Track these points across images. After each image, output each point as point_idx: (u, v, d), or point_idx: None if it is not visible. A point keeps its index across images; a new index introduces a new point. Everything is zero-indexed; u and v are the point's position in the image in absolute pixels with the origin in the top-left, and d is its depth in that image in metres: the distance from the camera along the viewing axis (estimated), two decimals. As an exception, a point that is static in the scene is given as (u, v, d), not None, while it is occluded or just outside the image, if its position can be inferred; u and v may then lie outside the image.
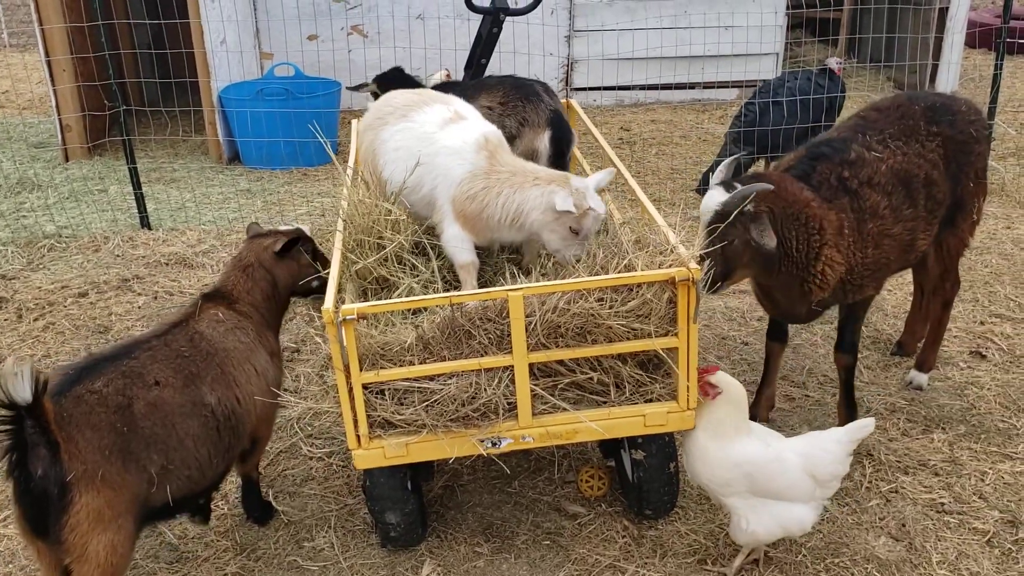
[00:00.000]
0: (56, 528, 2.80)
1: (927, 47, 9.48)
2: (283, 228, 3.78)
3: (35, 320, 5.50)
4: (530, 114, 4.41)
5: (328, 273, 3.33)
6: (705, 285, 3.31)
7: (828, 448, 3.27)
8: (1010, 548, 3.55)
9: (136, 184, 6.81)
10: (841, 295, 3.88)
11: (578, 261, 3.45)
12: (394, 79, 6.03)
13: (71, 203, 7.29)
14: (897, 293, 5.58)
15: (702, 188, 6.76)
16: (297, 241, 3.64)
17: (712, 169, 6.74)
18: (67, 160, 8.29)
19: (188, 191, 7.57)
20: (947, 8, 9.44)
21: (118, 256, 6.38)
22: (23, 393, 2.61)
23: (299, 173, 8.07)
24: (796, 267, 3.66)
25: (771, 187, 3.47)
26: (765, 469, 3.24)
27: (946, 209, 4.07)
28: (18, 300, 5.73)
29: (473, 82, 5.34)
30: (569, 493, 3.92)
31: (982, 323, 5.19)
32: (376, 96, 6.00)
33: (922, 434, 4.25)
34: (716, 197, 3.46)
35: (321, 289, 3.55)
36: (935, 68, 9.62)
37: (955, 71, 9.77)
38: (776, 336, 4.31)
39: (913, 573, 3.45)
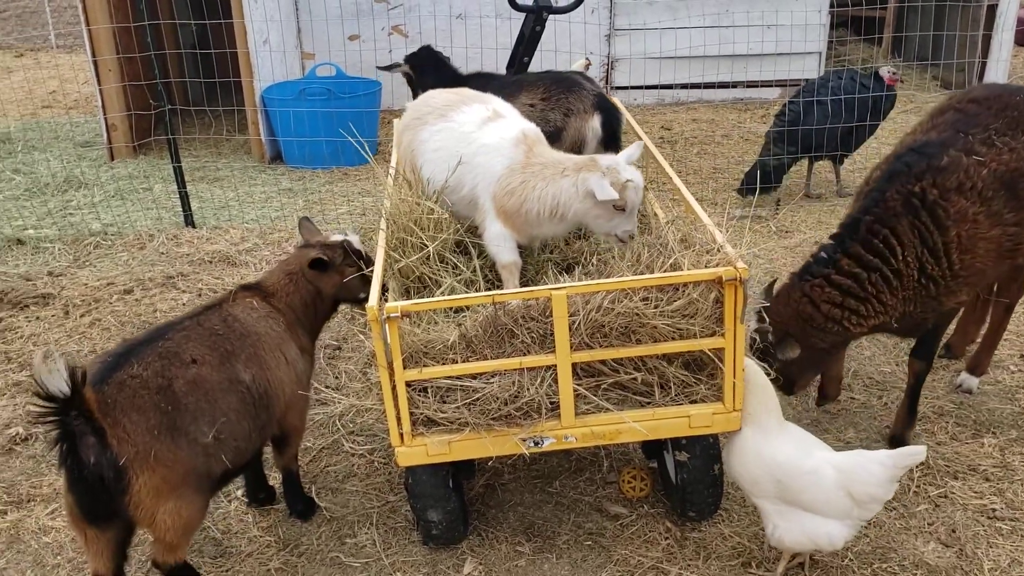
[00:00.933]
0: (121, 507, 2.89)
1: (975, 45, 9.30)
2: (332, 238, 3.77)
3: (81, 316, 5.58)
4: (574, 103, 4.40)
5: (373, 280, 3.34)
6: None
7: (871, 469, 3.15)
8: (1065, 556, 3.47)
9: (180, 183, 6.89)
10: (935, 304, 3.73)
11: (631, 238, 3.41)
12: (425, 58, 5.99)
13: (117, 201, 7.39)
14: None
15: (744, 188, 6.68)
16: (325, 262, 3.61)
17: (753, 170, 6.67)
18: (112, 159, 8.41)
19: (231, 190, 7.64)
20: (996, 5, 9.26)
21: (163, 254, 6.46)
22: (60, 386, 2.67)
23: (340, 172, 8.11)
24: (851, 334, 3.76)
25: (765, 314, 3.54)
26: (797, 479, 3.17)
27: None
28: (65, 296, 5.82)
29: (512, 79, 5.32)
30: (611, 494, 3.89)
31: (1033, 326, 5.08)
32: (408, 78, 5.99)
33: (972, 438, 4.16)
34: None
35: (368, 299, 3.57)
36: (983, 66, 9.43)
37: (1004, 69, 9.56)
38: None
39: (963, 580, 3.38)
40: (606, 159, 3.50)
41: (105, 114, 8.28)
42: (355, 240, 3.76)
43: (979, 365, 4.52)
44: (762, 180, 6.58)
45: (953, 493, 3.82)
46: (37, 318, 5.57)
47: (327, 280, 3.66)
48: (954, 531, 3.61)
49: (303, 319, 3.61)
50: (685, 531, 3.66)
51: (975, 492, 3.82)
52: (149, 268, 6.19)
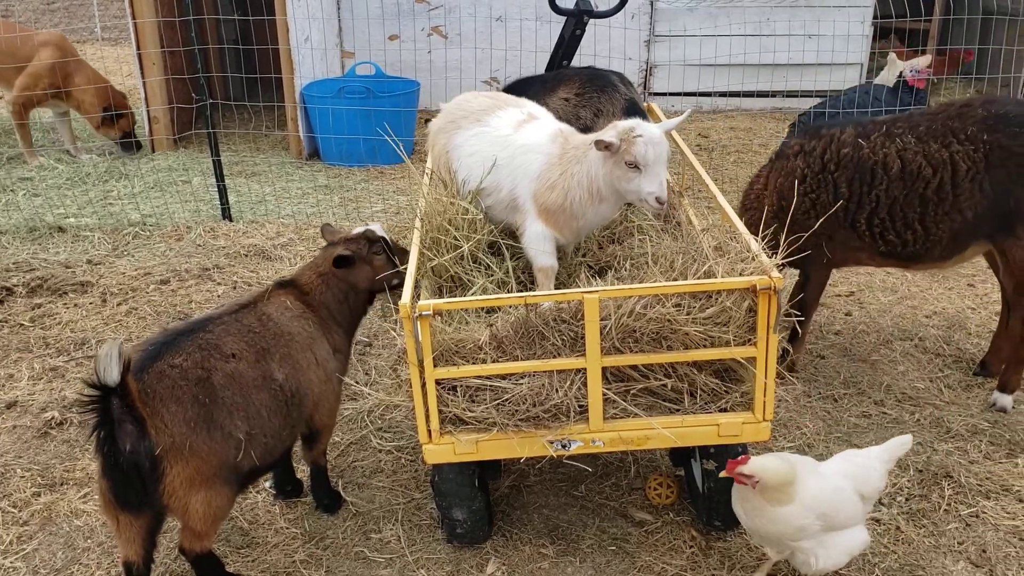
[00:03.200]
0: (154, 495, 2.95)
1: (1021, 59, 9.16)
2: (355, 232, 3.79)
3: (118, 305, 5.67)
4: (605, 104, 4.40)
5: (407, 268, 3.36)
6: None
7: (872, 466, 3.28)
8: (1098, 581, 3.41)
9: (219, 176, 6.97)
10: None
11: (662, 204, 3.37)
12: None
13: (156, 193, 7.50)
14: (982, 312, 5.40)
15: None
16: (349, 258, 3.63)
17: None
18: (153, 151, 8.53)
19: (268, 185, 7.72)
20: (1042, 20, 9.12)
21: (199, 246, 6.53)
22: (113, 375, 2.72)
23: (376, 171, 8.17)
24: None
25: None
26: (835, 501, 3.19)
27: (992, 216, 4.13)
28: (103, 285, 5.91)
29: (552, 74, 5.33)
30: (636, 500, 3.88)
31: (1073, 346, 4.98)
32: None
33: (1006, 458, 4.10)
34: None
35: (402, 285, 3.59)
36: (1028, 81, 9.30)
37: (1050, 85, 9.43)
38: None
39: (993, 601, 3.33)
40: (627, 121, 3.50)
41: (147, 106, 8.40)
42: (376, 228, 3.77)
43: (1008, 382, 4.46)
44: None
45: (985, 513, 3.76)
46: (75, 305, 5.66)
47: (359, 273, 3.68)
48: (984, 551, 3.56)
49: (338, 316, 3.63)
50: (710, 540, 3.64)
51: (1007, 513, 3.77)
52: (186, 260, 6.27)
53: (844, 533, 3.22)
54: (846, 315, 5.46)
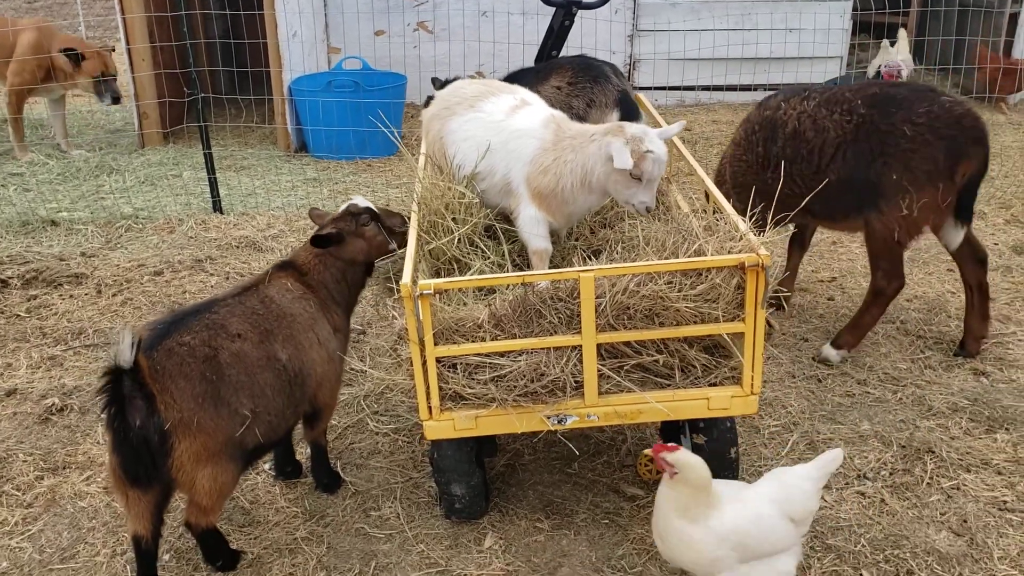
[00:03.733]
0: (162, 471, 3.03)
1: (996, 52, 9.35)
2: (338, 211, 3.85)
3: (113, 296, 5.72)
4: (597, 95, 4.50)
5: (405, 224, 3.44)
6: None
7: (802, 487, 3.10)
8: (1073, 547, 3.54)
9: (211, 169, 7.03)
10: None
11: (648, 211, 3.51)
12: None
13: (147, 187, 7.55)
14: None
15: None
16: (336, 235, 3.68)
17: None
18: (143, 146, 8.57)
19: (258, 178, 7.78)
20: (1018, 13, 9.31)
21: (191, 238, 6.60)
22: (126, 357, 2.82)
23: (364, 164, 8.24)
24: None
25: None
26: (755, 531, 3.03)
27: (856, 186, 4.44)
28: (97, 276, 5.96)
29: (545, 64, 5.43)
30: (628, 476, 3.99)
31: (1050, 328, 5.14)
32: None
33: (985, 434, 4.24)
34: None
35: (399, 245, 3.68)
36: (1004, 73, 9.48)
37: (1025, 76, 9.62)
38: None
39: (974, 567, 3.46)
40: (635, 127, 3.59)
41: (137, 101, 8.44)
42: (359, 200, 3.84)
43: (839, 339, 4.83)
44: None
45: (965, 486, 3.90)
46: (71, 296, 5.72)
47: (352, 248, 3.74)
48: (965, 521, 3.69)
49: (337, 295, 3.72)
50: (701, 513, 3.74)
51: (987, 485, 3.90)
52: (178, 251, 6.33)
53: (768, 561, 3.07)
54: (828, 300, 5.60)
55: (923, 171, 4.31)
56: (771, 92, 5.04)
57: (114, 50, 8.37)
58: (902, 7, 10.18)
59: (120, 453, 3.00)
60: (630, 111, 4.52)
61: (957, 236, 4.63)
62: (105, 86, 8.05)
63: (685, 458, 3.00)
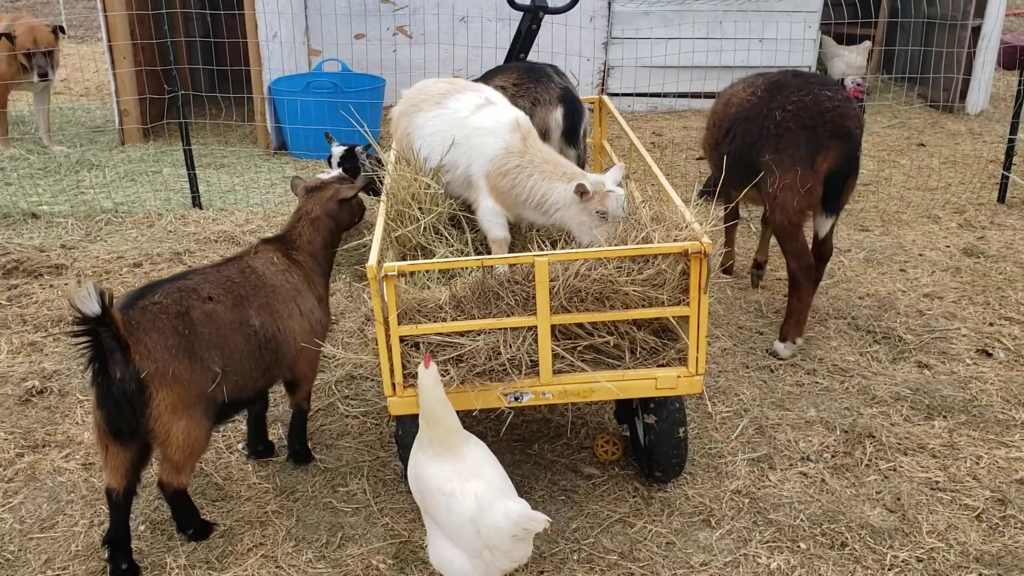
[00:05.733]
0: (142, 421, 3.24)
1: (960, 63, 9.66)
2: (328, 176, 4.17)
3: (93, 286, 5.88)
4: (541, 93, 4.71)
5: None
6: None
7: (494, 516, 2.96)
8: (997, 523, 3.77)
9: (190, 165, 7.20)
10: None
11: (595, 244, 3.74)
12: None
13: (127, 182, 7.70)
14: (911, 295, 5.79)
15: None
16: (352, 199, 3.99)
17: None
18: (123, 143, 8.73)
19: (237, 176, 7.95)
20: (980, 27, 9.63)
21: (171, 232, 6.76)
22: (92, 307, 3.02)
23: (342, 163, 8.42)
24: None
25: None
26: (431, 496, 3.11)
27: (742, 162, 4.83)
28: (77, 267, 6.12)
29: (493, 68, 5.63)
30: (585, 457, 4.20)
31: (991, 324, 5.39)
32: None
33: (923, 421, 4.48)
34: None
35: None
36: (966, 83, 9.80)
37: (986, 88, 9.94)
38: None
39: (904, 540, 3.68)
40: (592, 176, 3.84)
41: (118, 98, 8.59)
42: (338, 172, 4.17)
43: (783, 331, 5.07)
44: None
45: (902, 467, 4.13)
46: (51, 286, 5.87)
47: (347, 211, 4.03)
48: (899, 499, 3.92)
49: (323, 263, 3.95)
50: (652, 490, 3.96)
51: (921, 467, 4.13)
52: (157, 244, 6.49)
53: (444, 540, 3.11)
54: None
55: (787, 155, 4.68)
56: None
57: (62, 29, 8.34)
58: (869, 18, 10.48)
59: (104, 407, 3.22)
60: (573, 106, 4.72)
61: (825, 226, 5.00)
62: (34, 61, 8.02)
63: (425, 376, 3.09)
